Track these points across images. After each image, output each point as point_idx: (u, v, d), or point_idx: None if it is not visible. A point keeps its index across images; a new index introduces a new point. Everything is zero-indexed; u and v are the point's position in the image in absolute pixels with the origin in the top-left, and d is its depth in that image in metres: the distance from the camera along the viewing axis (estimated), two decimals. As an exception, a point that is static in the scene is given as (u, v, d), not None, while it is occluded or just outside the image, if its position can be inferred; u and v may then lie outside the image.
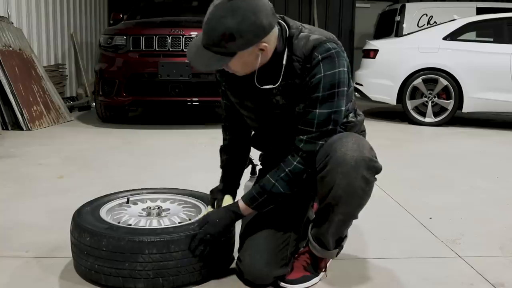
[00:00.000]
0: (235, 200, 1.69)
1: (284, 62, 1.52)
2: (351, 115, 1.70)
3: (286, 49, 1.52)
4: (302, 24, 1.60)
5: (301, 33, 1.54)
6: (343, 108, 1.54)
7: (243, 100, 1.67)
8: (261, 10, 1.38)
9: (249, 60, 1.47)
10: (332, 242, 1.64)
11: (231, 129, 1.83)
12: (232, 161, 1.85)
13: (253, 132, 1.84)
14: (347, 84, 1.55)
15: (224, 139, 1.86)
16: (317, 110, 1.51)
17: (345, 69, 1.53)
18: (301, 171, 1.53)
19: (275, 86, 1.55)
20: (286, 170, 1.54)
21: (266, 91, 1.58)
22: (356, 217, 1.60)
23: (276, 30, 1.49)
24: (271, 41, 1.47)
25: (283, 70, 1.53)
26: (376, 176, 1.52)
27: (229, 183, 1.85)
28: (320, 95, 1.50)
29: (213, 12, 1.39)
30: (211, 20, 1.39)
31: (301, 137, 1.53)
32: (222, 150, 1.87)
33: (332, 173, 1.47)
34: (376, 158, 1.53)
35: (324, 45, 1.50)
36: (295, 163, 1.53)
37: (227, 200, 1.75)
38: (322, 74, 1.48)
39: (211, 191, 1.85)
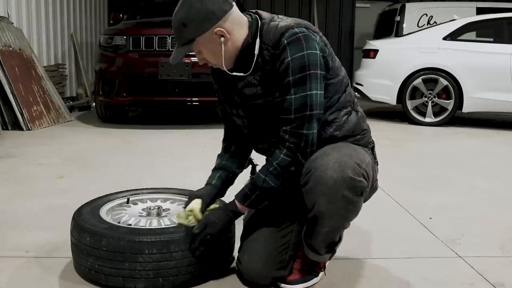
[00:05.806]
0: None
1: (256, 51, 1.54)
2: (343, 112, 1.60)
3: (258, 39, 1.54)
4: (277, 15, 1.62)
5: (272, 22, 1.55)
6: (318, 92, 1.51)
7: (231, 95, 1.67)
8: None
9: (213, 47, 1.53)
10: (323, 248, 1.64)
11: (228, 137, 1.81)
12: (221, 167, 1.78)
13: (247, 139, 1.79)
14: (321, 67, 1.51)
15: (222, 148, 1.83)
16: (292, 96, 1.49)
17: (317, 51, 1.50)
18: (288, 163, 1.52)
19: (246, 74, 1.57)
20: (274, 163, 1.53)
21: (246, 83, 1.59)
22: (346, 227, 1.60)
23: (236, 17, 1.53)
24: (230, 27, 1.52)
25: (255, 59, 1.55)
26: (363, 192, 1.50)
27: (210, 186, 1.76)
28: (291, 79, 1.49)
29: (174, 12, 1.54)
30: (172, 18, 1.53)
31: (284, 128, 1.52)
32: (218, 156, 1.84)
33: (312, 191, 1.47)
34: (362, 176, 1.49)
35: (291, 30, 1.50)
36: (281, 155, 1.52)
37: (195, 204, 1.66)
38: (290, 58, 1.48)
39: (190, 194, 1.75)
